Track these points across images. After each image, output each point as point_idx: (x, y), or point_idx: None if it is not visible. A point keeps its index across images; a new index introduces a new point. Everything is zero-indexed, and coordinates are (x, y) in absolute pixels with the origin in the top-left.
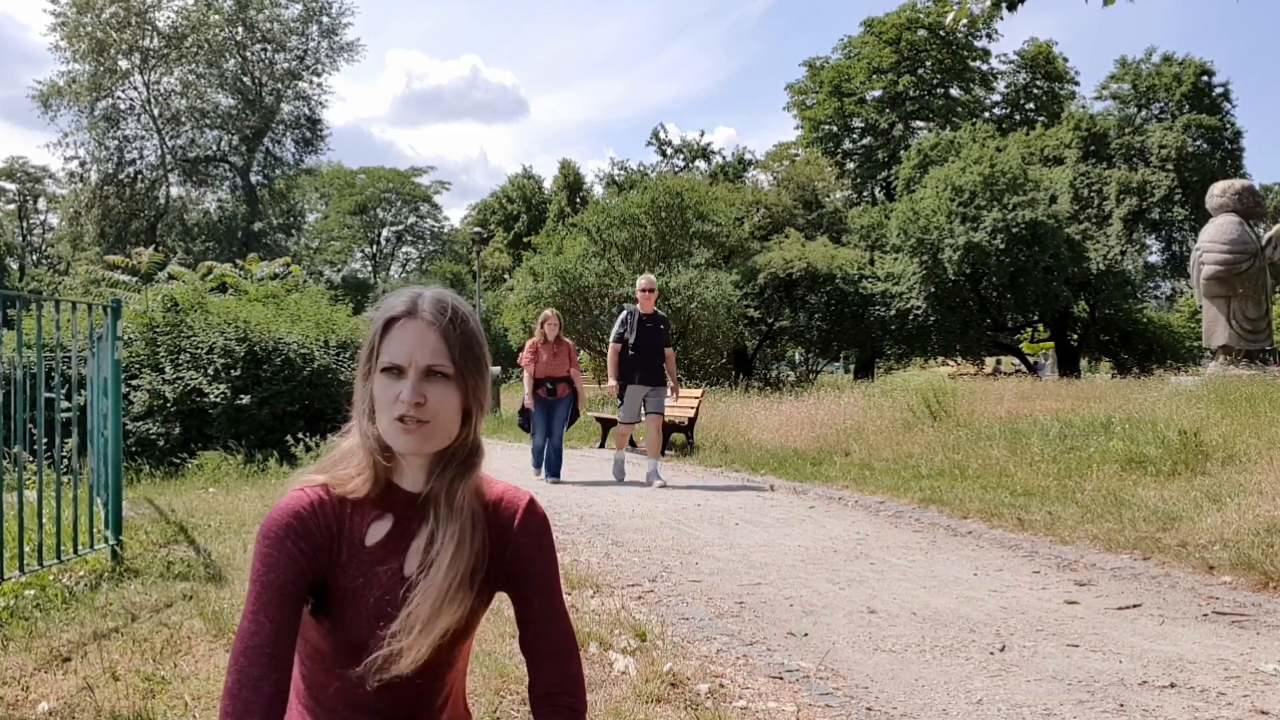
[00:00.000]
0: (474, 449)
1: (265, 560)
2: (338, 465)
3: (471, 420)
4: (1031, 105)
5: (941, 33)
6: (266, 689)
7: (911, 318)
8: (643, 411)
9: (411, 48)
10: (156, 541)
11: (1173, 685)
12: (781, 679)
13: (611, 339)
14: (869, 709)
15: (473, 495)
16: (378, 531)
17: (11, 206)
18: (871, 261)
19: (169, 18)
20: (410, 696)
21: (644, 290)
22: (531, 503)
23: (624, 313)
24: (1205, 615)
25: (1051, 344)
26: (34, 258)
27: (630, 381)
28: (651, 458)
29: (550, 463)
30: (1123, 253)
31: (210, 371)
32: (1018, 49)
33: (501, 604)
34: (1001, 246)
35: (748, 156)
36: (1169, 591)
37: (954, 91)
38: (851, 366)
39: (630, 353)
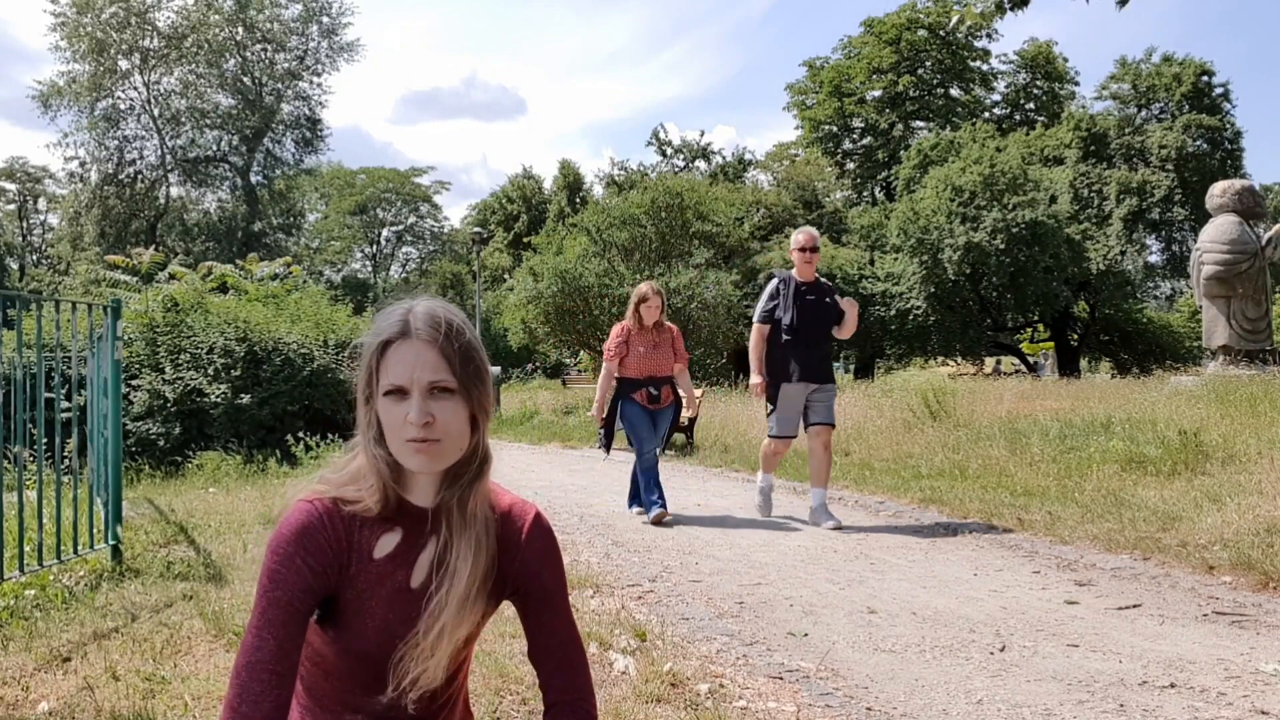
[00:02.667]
0: (484, 458)
1: (273, 576)
2: (346, 486)
3: (479, 428)
4: (1031, 105)
5: (941, 33)
6: (267, 705)
7: (911, 318)
8: (802, 422)
9: (410, 47)
10: (156, 541)
11: (1173, 685)
12: (781, 679)
13: (756, 318)
14: (869, 709)
15: (484, 503)
16: (386, 545)
17: (11, 206)
18: (871, 261)
19: (169, 18)
20: (414, 699)
21: (804, 249)
22: (539, 516)
23: (773, 281)
24: (1205, 615)
25: (1051, 344)
26: (34, 258)
27: (785, 379)
28: (817, 488)
29: (639, 486)
30: (1123, 253)
31: (210, 371)
32: (1018, 49)
33: (502, 604)
34: (1001, 246)
35: (748, 156)
36: (1169, 591)
37: (954, 91)
38: (851, 366)
39: (785, 338)
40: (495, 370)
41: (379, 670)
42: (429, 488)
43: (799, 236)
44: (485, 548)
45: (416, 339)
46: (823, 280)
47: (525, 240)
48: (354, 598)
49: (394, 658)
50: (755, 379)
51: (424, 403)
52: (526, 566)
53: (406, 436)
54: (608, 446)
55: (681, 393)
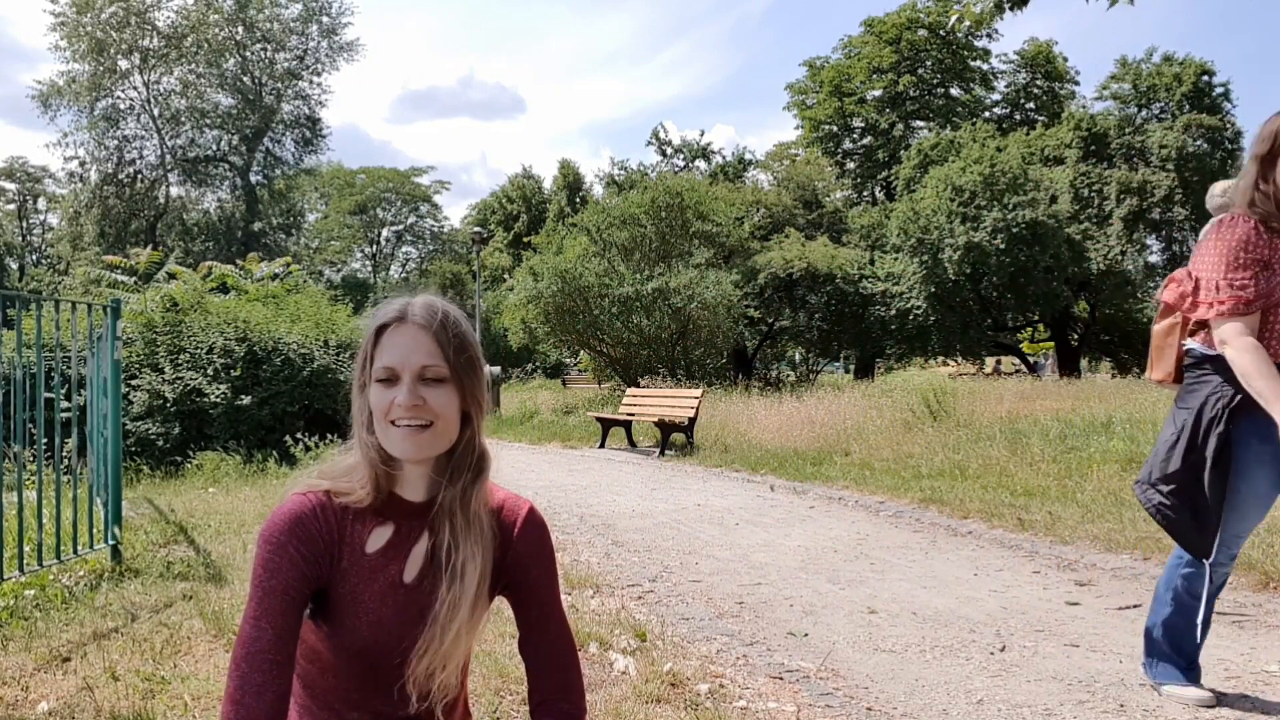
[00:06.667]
0: (481, 455)
1: (267, 566)
2: (339, 480)
3: (472, 423)
4: (1031, 105)
5: (942, 33)
6: (269, 695)
7: (911, 318)
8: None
9: (408, 46)
10: (156, 541)
11: None
12: (781, 679)
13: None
14: (869, 709)
15: (484, 504)
16: (379, 539)
17: (11, 206)
18: (871, 261)
19: (169, 17)
20: (440, 709)
21: None
22: (532, 511)
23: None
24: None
25: (1051, 344)
26: (34, 258)
27: None
28: None
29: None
30: (1123, 253)
31: (210, 372)
32: (1018, 49)
33: (502, 603)
34: (1002, 246)
35: (748, 156)
36: None
37: (954, 91)
38: (851, 366)
39: None
40: (495, 370)
41: (375, 667)
42: (420, 482)
43: None
44: (489, 548)
45: (412, 323)
46: None
47: (525, 240)
48: (346, 592)
49: (408, 670)
50: None
51: (415, 386)
52: (518, 560)
53: (393, 418)
54: (1212, 536)
55: None
